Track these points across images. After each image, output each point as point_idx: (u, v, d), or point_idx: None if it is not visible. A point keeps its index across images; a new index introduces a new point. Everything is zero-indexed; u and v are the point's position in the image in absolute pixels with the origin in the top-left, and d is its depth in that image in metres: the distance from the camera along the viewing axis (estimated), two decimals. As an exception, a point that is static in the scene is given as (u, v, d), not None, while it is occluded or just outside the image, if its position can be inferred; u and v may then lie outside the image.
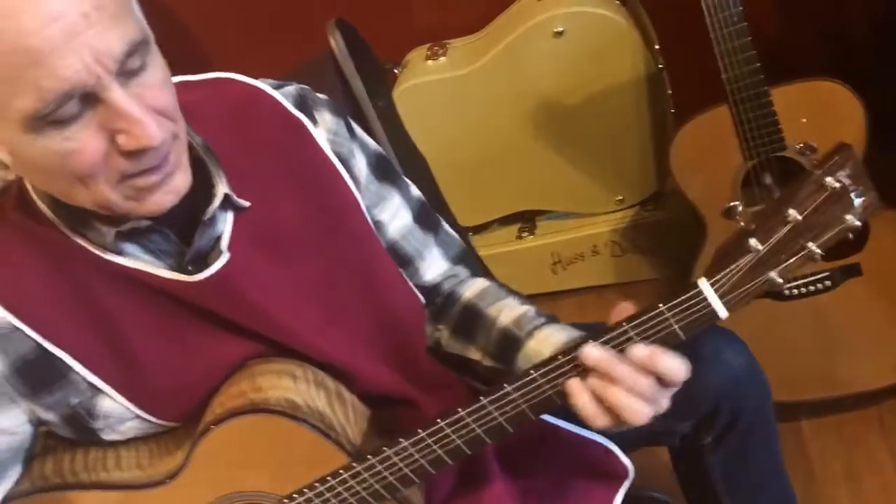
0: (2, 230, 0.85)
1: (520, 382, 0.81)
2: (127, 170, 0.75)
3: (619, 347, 0.80)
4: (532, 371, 0.81)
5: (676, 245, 1.89)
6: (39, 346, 0.86)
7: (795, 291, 1.51)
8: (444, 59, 1.93)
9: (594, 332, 0.82)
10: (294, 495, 0.90)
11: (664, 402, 0.84)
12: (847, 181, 0.75)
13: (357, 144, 1.01)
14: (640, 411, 0.81)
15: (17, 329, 0.85)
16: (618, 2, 1.84)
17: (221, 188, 0.86)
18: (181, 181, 0.80)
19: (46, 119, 0.70)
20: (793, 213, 0.75)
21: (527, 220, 2.13)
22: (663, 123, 1.89)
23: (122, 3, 0.73)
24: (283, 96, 0.95)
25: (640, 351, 0.79)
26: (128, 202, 0.78)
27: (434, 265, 1.09)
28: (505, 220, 2.15)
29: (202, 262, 0.87)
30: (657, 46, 1.84)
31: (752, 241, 0.76)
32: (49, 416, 0.90)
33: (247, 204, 0.89)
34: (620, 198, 2.02)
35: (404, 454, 0.86)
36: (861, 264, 1.48)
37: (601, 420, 0.83)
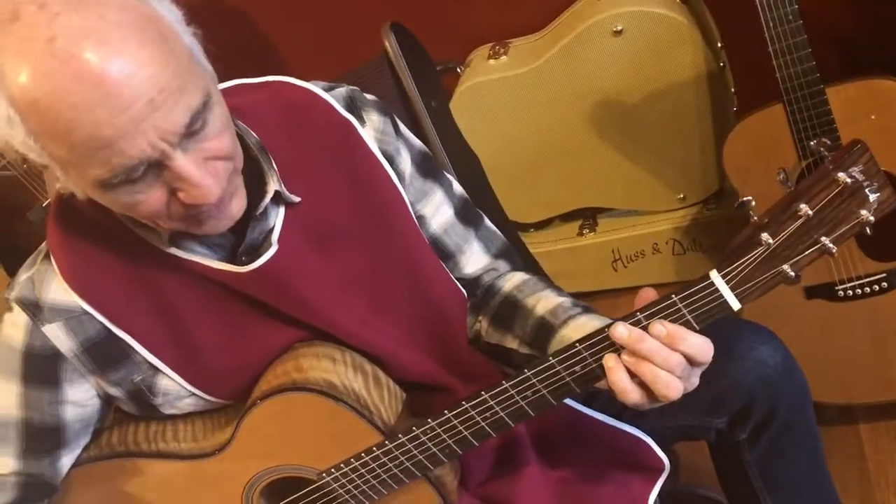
0: (74, 223, 0.94)
1: (539, 368, 0.87)
2: (187, 212, 0.84)
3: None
4: (551, 357, 0.86)
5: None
6: (106, 328, 0.95)
7: (851, 293, 1.51)
8: (505, 58, 1.98)
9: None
10: (331, 470, 0.97)
11: (694, 380, 0.88)
12: (860, 177, 0.77)
13: (402, 142, 1.07)
14: (671, 384, 0.84)
15: (87, 313, 0.94)
16: (679, 0, 1.85)
17: (273, 185, 0.94)
18: (236, 207, 0.88)
19: (117, 182, 0.80)
20: (804, 208, 0.78)
21: (588, 217, 2.17)
22: (726, 121, 1.89)
23: (187, 71, 0.79)
24: (334, 98, 1.02)
25: (659, 329, 0.83)
26: (189, 227, 0.88)
27: (474, 259, 1.14)
28: (566, 217, 2.18)
29: (254, 253, 0.95)
30: (720, 45, 1.85)
31: (764, 235, 0.79)
32: (114, 391, 1.00)
33: (297, 199, 0.96)
34: (682, 196, 2.03)
35: (432, 433, 0.92)
36: (919, 265, 1.47)
37: (635, 395, 0.86)
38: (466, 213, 1.14)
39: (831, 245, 0.79)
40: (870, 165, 0.78)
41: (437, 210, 1.10)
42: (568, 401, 1.13)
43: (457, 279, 1.12)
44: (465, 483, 1.10)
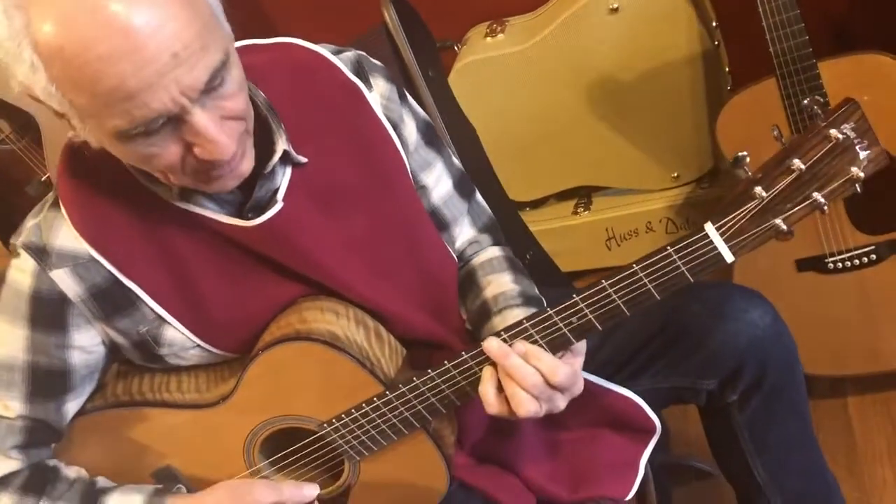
0: (84, 172, 0.96)
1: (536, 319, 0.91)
2: (199, 168, 0.86)
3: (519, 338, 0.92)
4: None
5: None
6: (113, 276, 0.97)
7: (841, 265, 1.53)
8: (502, 36, 2.00)
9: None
10: (332, 420, 0.99)
11: (559, 403, 0.94)
12: (852, 134, 0.80)
13: (407, 110, 1.09)
14: (524, 403, 0.91)
15: (95, 260, 0.96)
16: (675, -22, 1.87)
17: (281, 144, 0.96)
18: (245, 167, 0.90)
19: (135, 134, 0.81)
20: (797, 163, 0.80)
21: (583, 195, 2.19)
22: (720, 100, 1.90)
23: (209, 30, 0.81)
24: (342, 62, 1.04)
25: (519, 347, 0.90)
26: (197, 184, 0.90)
27: (464, 231, 1.18)
28: (562, 196, 2.21)
29: (260, 210, 0.96)
30: (715, 24, 1.87)
31: (758, 189, 0.81)
32: (120, 339, 1.02)
33: (304, 160, 0.98)
34: (676, 174, 2.05)
35: (432, 384, 0.95)
36: (908, 238, 1.49)
37: (494, 407, 0.93)
38: (463, 186, 1.17)
39: (823, 200, 0.82)
40: (861, 123, 0.81)
41: (437, 181, 1.13)
42: None
43: None
44: (460, 442, 1.12)
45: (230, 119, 0.85)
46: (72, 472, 1.06)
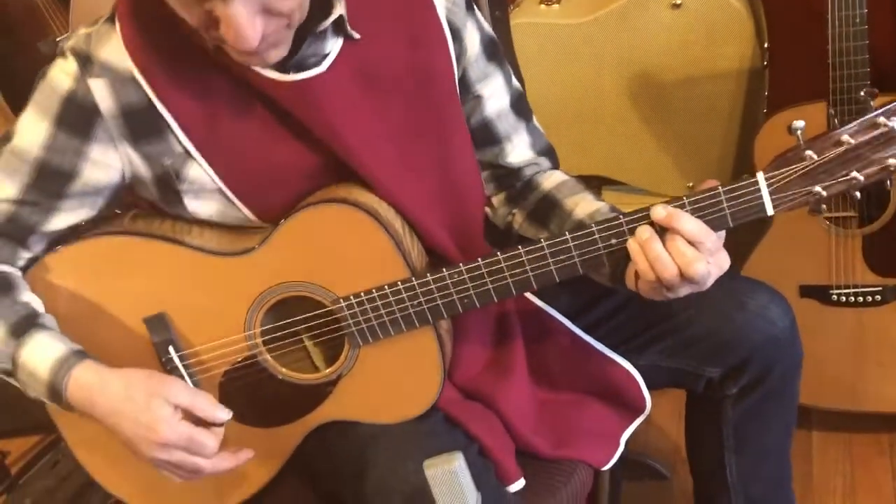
0: (138, 3, 1.04)
1: (578, 233, 1.00)
2: (223, 40, 0.94)
3: None
4: (593, 225, 1.00)
5: (729, 239, 2.03)
6: (148, 100, 1.05)
7: (843, 299, 1.65)
8: (557, 6, 2.10)
9: None
10: (350, 297, 1.07)
11: (708, 283, 0.99)
12: None
13: (472, 20, 1.19)
14: (699, 260, 0.95)
15: (135, 79, 1.04)
16: (741, -9, 1.99)
17: (339, 8, 1.04)
18: (273, 56, 0.99)
19: None
20: (847, 138, 0.93)
21: (595, 186, 2.29)
22: (753, 121, 2.02)
23: None
24: None
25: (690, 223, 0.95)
26: (226, 48, 0.98)
27: (519, 150, 1.26)
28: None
29: (302, 69, 1.05)
30: (766, 45, 1.99)
31: (809, 153, 0.94)
32: (142, 168, 1.09)
33: (357, 35, 1.07)
34: (691, 184, 2.16)
35: (458, 278, 1.04)
36: (915, 287, 1.62)
37: (658, 284, 0.97)
38: (520, 106, 1.26)
39: (861, 177, 0.94)
40: (909, 120, 0.94)
41: (494, 94, 1.22)
42: (569, 324, 1.25)
43: (500, 166, 1.24)
44: (451, 376, 1.20)
45: (271, 14, 0.93)
46: (25, 295, 1.11)
